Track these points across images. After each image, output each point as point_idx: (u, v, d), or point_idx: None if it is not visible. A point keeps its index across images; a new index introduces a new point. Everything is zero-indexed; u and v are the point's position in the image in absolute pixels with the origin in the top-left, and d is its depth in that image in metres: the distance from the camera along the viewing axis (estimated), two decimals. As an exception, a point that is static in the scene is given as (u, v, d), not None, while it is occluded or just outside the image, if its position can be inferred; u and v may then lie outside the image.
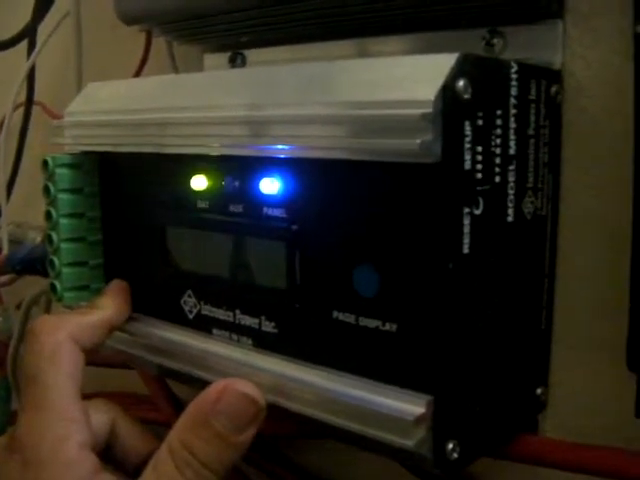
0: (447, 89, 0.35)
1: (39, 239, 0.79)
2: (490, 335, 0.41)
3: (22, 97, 0.78)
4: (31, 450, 0.43)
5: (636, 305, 0.41)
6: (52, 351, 0.46)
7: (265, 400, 0.42)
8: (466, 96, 0.36)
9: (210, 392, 0.42)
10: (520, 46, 0.45)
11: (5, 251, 0.76)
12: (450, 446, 0.39)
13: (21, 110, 0.79)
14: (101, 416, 0.49)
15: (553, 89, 0.43)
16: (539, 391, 0.46)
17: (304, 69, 0.43)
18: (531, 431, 0.47)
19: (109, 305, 0.51)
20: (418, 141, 0.35)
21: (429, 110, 0.35)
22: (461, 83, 0.36)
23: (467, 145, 0.37)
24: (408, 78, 0.37)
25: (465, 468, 0.43)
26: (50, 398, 0.44)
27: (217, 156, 0.45)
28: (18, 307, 0.79)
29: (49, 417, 0.44)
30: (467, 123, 0.37)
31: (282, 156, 0.42)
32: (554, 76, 0.44)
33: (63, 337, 0.46)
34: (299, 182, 0.42)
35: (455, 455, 0.39)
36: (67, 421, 0.44)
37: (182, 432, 0.42)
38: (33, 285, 0.73)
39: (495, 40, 0.46)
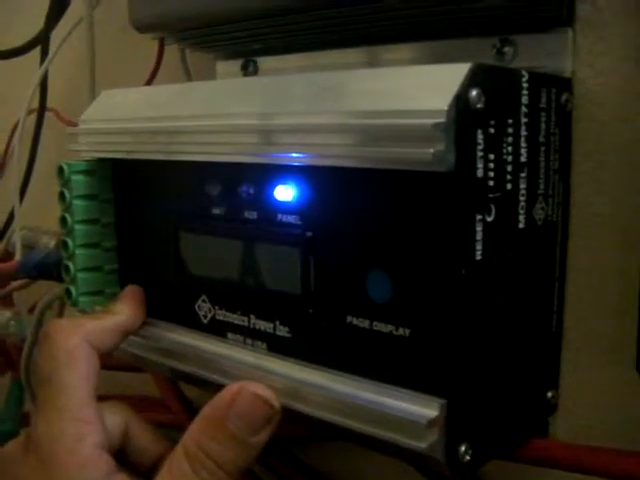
0: (460, 99, 0.36)
1: (52, 244, 0.80)
2: (502, 339, 0.41)
3: (35, 103, 0.78)
4: (47, 450, 0.43)
5: (645, 309, 0.41)
6: (68, 353, 0.46)
7: (279, 402, 0.43)
8: (479, 105, 0.37)
9: (225, 394, 0.43)
10: (531, 54, 0.46)
11: (18, 255, 0.76)
12: (462, 449, 0.39)
13: (34, 116, 0.80)
14: (115, 418, 0.49)
15: (563, 97, 0.44)
16: (550, 394, 0.47)
17: (315, 78, 0.44)
18: (542, 434, 0.47)
19: (124, 310, 0.51)
20: (431, 150, 0.35)
21: (442, 120, 0.35)
22: (474, 93, 0.36)
23: (479, 153, 0.37)
24: (421, 88, 0.38)
25: (477, 470, 0.44)
26: (65, 399, 0.45)
27: (232, 163, 0.45)
28: (31, 311, 0.80)
29: (65, 418, 0.44)
30: (479, 132, 0.37)
31: (296, 164, 0.42)
32: (564, 84, 0.44)
33: (79, 340, 0.47)
34: (313, 189, 0.42)
35: (467, 457, 0.39)
36: (82, 422, 0.44)
37: (197, 434, 0.43)
38: (46, 289, 0.74)
39: (506, 48, 0.46)
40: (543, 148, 0.43)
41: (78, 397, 0.45)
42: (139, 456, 0.50)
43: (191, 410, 0.68)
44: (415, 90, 0.38)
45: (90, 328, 0.48)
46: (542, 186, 0.43)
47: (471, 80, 0.36)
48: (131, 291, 0.53)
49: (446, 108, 0.35)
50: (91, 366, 0.47)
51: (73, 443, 0.43)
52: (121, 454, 0.49)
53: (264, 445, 0.43)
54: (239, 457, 0.42)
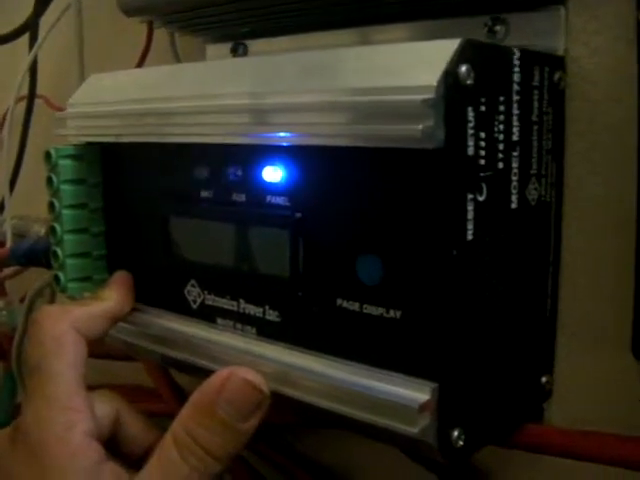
0: (449, 75, 0.35)
1: (43, 231, 0.79)
2: (494, 322, 0.41)
3: (24, 90, 0.78)
4: (35, 439, 0.43)
5: (641, 293, 0.41)
6: (55, 340, 0.46)
7: (269, 388, 0.42)
8: (469, 82, 0.36)
9: (214, 380, 0.42)
10: (523, 33, 0.45)
11: (9, 244, 0.76)
12: (455, 434, 0.38)
13: (24, 103, 0.79)
14: (105, 406, 0.48)
15: (556, 75, 0.43)
16: (544, 379, 0.46)
17: (305, 57, 0.43)
18: (536, 420, 0.47)
19: (112, 296, 0.51)
20: (420, 127, 0.35)
21: (431, 95, 0.35)
22: (463, 69, 0.36)
23: (470, 131, 0.37)
24: (410, 64, 0.37)
25: (471, 456, 0.43)
26: (54, 387, 0.44)
27: (219, 145, 0.45)
28: (22, 300, 0.79)
29: (53, 406, 0.44)
30: (470, 109, 0.36)
31: (284, 144, 0.42)
32: (557, 62, 0.44)
33: (66, 327, 0.46)
34: (302, 170, 0.42)
35: (460, 443, 0.39)
36: (71, 410, 0.44)
37: (186, 420, 0.43)
38: (37, 278, 0.73)
39: (497, 27, 0.46)
40: (536, 127, 0.42)
41: (66, 385, 0.45)
42: (130, 445, 0.50)
43: (182, 398, 0.67)
44: (405, 67, 0.37)
45: (77, 314, 0.48)
46: (535, 166, 0.42)
47: (460, 56, 0.36)
48: (119, 277, 0.52)
49: (435, 84, 0.35)
50: (79, 353, 0.46)
51: (62, 431, 0.43)
52: (112, 443, 0.49)
53: (254, 431, 0.43)
54: (228, 443, 0.42)
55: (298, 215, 0.42)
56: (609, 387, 0.46)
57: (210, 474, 0.42)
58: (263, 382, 0.42)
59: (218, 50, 0.62)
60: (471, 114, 0.37)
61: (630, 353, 0.42)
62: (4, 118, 0.79)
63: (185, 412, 0.43)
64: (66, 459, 0.42)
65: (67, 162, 0.52)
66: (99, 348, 0.49)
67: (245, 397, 0.42)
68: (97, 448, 0.43)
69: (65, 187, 0.52)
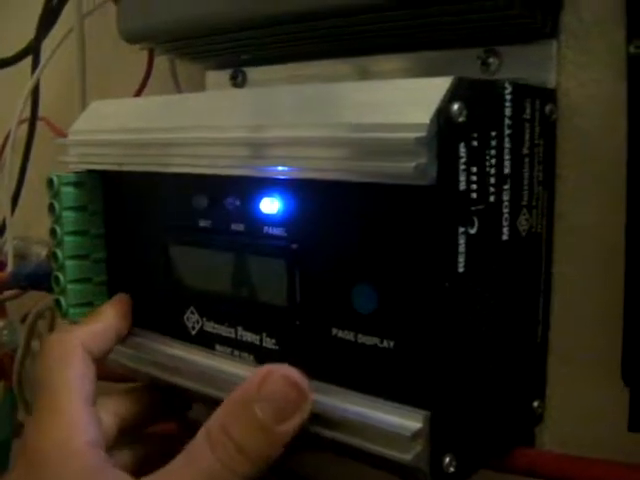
0: (442, 113, 0.36)
1: (44, 253, 0.80)
2: (486, 350, 0.41)
3: (26, 113, 0.79)
4: (38, 450, 0.43)
5: (630, 320, 0.41)
6: (62, 356, 0.47)
7: (310, 388, 0.41)
8: (461, 119, 0.37)
9: (254, 378, 0.41)
10: (515, 65, 0.46)
11: (10, 265, 0.77)
12: (447, 460, 0.39)
13: (26, 125, 0.80)
14: (108, 417, 0.49)
15: (547, 108, 0.44)
16: (535, 404, 0.47)
17: (302, 91, 0.44)
18: (528, 444, 0.48)
19: (111, 314, 0.52)
20: (413, 164, 0.35)
21: (424, 134, 0.35)
22: (455, 107, 0.36)
23: (462, 166, 0.37)
24: (404, 101, 0.38)
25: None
26: (59, 401, 0.45)
27: (219, 176, 0.45)
28: (23, 320, 0.80)
29: (55, 418, 0.44)
30: (462, 145, 0.37)
31: (281, 177, 0.43)
32: (548, 95, 0.45)
33: (72, 344, 0.48)
34: (298, 202, 0.43)
35: (452, 469, 0.39)
36: (74, 423, 0.44)
37: (222, 416, 0.42)
38: (38, 298, 0.74)
39: (491, 59, 0.46)
40: (527, 159, 0.43)
41: (71, 399, 0.45)
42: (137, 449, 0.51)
43: (183, 420, 0.68)
44: (399, 103, 0.38)
45: (82, 332, 0.49)
46: (526, 197, 0.43)
47: (453, 94, 0.36)
48: (117, 298, 0.53)
49: (428, 122, 0.36)
50: (85, 368, 0.47)
51: (63, 441, 0.43)
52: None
53: (291, 437, 0.41)
54: (263, 445, 0.41)
55: (295, 246, 0.43)
56: (600, 412, 0.46)
57: (241, 475, 0.41)
58: (305, 381, 0.41)
59: (218, 77, 0.63)
60: (463, 150, 0.37)
61: (620, 379, 0.42)
62: (6, 140, 0.80)
63: (221, 409, 0.42)
64: (63, 462, 0.43)
65: (69, 189, 0.53)
66: (100, 369, 0.50)
67: (284, 395, 0.41)
68: (99, 454, 0.44)
69: (67, 214, 0.53)
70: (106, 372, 0.57)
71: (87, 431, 0.44)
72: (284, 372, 0.41)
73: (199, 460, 0.41)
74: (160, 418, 0.57)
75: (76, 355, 0.47)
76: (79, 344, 0.48)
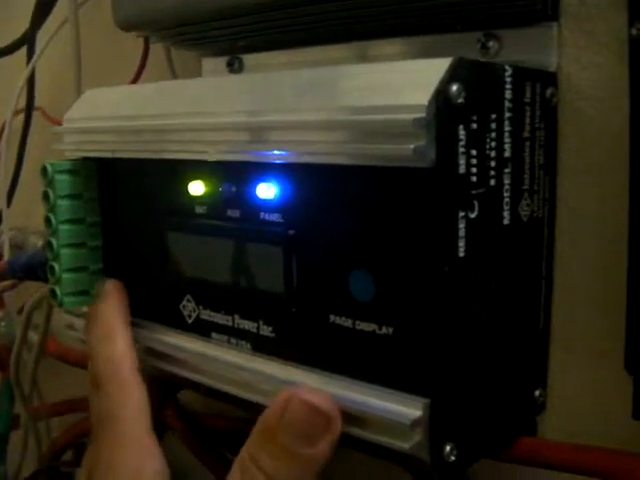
0: (440, 94, 0.35)
1: (40, 244, 0.80)
2: (487, 337, 0.41)
3: (22, 103, 0.78)
4: (108, 473, 0.44)
5: (634, 307, 0.41)
6: (121, 389, 0.47)
7: (337, 408, 0.40)
8: (459, 100, 0.36)
9: (275, 405, 0.41)
10: (515, 49, 0.46)
11: (7, 256, 0.76)
12: (447, 448, 0.39)
13: (21, 116, 0.79)
14: None
15: (548, 91, 0.44)
16: (537, 393, 0.47)
17: (300, 75, 0.44)
18: (530, 433, 0.47)
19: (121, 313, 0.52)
20: (412, 146, 0.35)
21: (422, 115, 0.35)
22: (454, 88, 0.36)
23: (461, 149, 0.37)
24: (402, 83, 0.37)
25: (463, 470, 0.44)
26: (124, 432, 0.45)
27: (214, 162, 0.45)
28: (20, 311, 0.80)
29: (124, 450, 0.45)
30: (461, 127, 0.37)
31: (278, 161, 0.42)
32: (549, 78, 0.44)
33: (128, 371, 0.48)
34: (295, 187, 0.42)
35: (453, 457, 0.39)
36: (142, 452, 0.45)
37: (252, 447, 0.41)
38: (34, 289, 0.74)
39: (490, 43, 0.46)
40: (528, 143, 0.42)
41: (136, 429, 0.46)
42: None
43: (181, 412, 0.68)
44: (397, 85, 0.38)
45: (130, 356, 0.49)
46: (527, 182, 0.43)
47: (451, 75, 0.36)
48: (114, 288, 0.53)
49: (426, 103, 0.35)
50: (144, 395, 0.47)
51: (134, 472, 0.44)
52: None
53: (327, 455, 0.40)
54: (293, 471, 0.40)
55: (291, 232, 0.42)
56: (602, 401, 0.46)
57: None
58: (325, 401, 0.40)
59: (214, 64, 0.62)
60: (462, 132, 0.37)
61: (623, 367, 0.42)
62: (2, 130, 0.80)
63: (250, 441, 0.41)
64: None
65: (63, 177, 0.52)
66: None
67: (306, 420, 0.40)
68: None
69: (62, 202, 0.52)
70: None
71: (154, 460, 0.45)
72: (304, 397, 0.40)
73: None
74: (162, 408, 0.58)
75: (133, 383, 0.47)
76: (134, 366, 0.48)
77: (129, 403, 0.46)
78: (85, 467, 0.46)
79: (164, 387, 0.56)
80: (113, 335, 0.49)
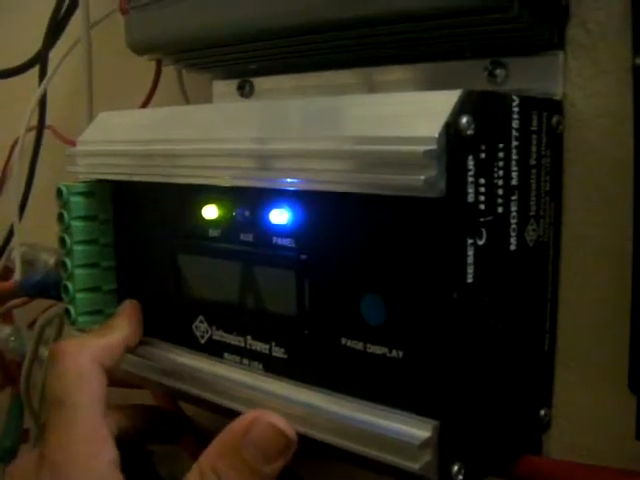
0: (450, 126, 0.36)
1: (52, 261, 0.80)
2: (494, 360, 0.42)
3: (34, 121, 0.79)
4: (61, 467, 0.44)
5: (637, 329, 0.42)
6: (77, 374, 0.47)
7: (295, 433, 0.43)
8: (469, 132, 0.37)
9: (241, 421, 0.43)
10: (522, 77, 0.46)
11: (18, 271, 0.77)
12: (455, 468, 0.39)
13: (33, 133, 0.80)
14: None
15: (554, 119, 0.44)
16: (543, 412, 0.47)
17: (311, 104, 0.45)
18: (535, 452, 0.48)
19: (124, 325, 0.52)
20: (423, 177, 0.36)
21: (433, 147, 0.36)
22: (464, 120, 0.37)
23: (470, 179, 0.38)
24: (413, 114, 0.38)
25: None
26: (79, 419, 0.45)
27: (229, 187, 0.46)
28: (30, 326, 0.80)
29: (79, 436, 0.45)
30: (470, 158, 0.38)
31: (291, 188, 0.43)
32: (555, 107, 0.45)
33: (87, 360, 0.48)
34: (308, 213, 0.43)
35: (460, 477, 0.40)
36: (96, 440, 0.45)
37: (213, 457, 0.43)
38: (46, 304, 0.74)
39: (497, 71, 0.47)
40: (534, 170, 0.43)
41: (90, 417, 0.46)
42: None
43: (190, 427, 0.68)
44: (408, 117, 0.38)
45: (96, 347, 0.49)
46: (533, 208, 0.43)
47: (461, 107, 0.37)
48: (129, 306, 0.54)
49: (437, 135, 0.36)
50: (101, 385, 0.48)
51: (87, 461, 0.44)
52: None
53: (278, 473, 0.43)
54: None
55: (304, 257, 0.43)
56: (606, 420, 0.46)
57: None
58: (289, 427, 0.43)
59: (225, 87, 0.63)
60: (471, 162, 0.38)
61: (627, 387, 0.43)
62: (14, 148, 0.80)
63: (212, 449, 0.43)
64: None
65: (78, 199, 0.53)
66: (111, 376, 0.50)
67: (270, 441, 0.42)
68: (119, 477, 0.45)
69: (76, 223, 0.53)
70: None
71: (109, 450, 0.45)
72: (271, 420, 0.43)
73: None
74: (156, 439, 0.58)
75: (92, 372, 0.47)
76: (94, 360, 0.48)
77: (84, 389, 0.46)
78: (37, 447, 0.47)
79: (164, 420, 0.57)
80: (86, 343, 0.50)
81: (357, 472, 0.58)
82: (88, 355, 0.48)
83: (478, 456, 0.42)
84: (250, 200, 0.46)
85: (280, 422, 0.43)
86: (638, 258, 0.42)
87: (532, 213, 0.43)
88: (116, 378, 0.55)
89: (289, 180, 0.42)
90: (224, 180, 0.46)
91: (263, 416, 0.43)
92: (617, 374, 0.44)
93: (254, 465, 0.42)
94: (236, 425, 0.43)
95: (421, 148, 0.36)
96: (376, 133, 0.39)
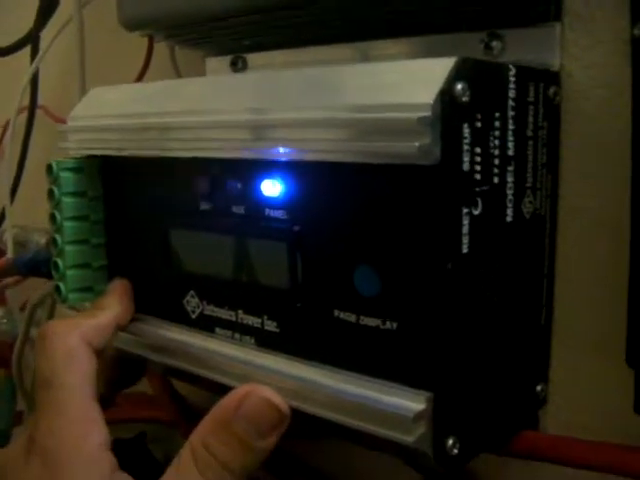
0: (445, 93, 0.36)
1: (43, 241, 0.80)
2: (490, 332, 0.41)
3: (26, 101, 0.79)
4: (51, 451, 0.43)
5: (635, 302, 0.41)
6: (66, 354, 0.46)
7: (288, 407, 0.42)
8: (464, 99, 0.37)
9: (233, 396, 0.42)
10: (519, 48, 0.46)
11: (10, 253, 0.76)
12: (450, 442, 0.39)
13: (25, 114, 0.80)
14: None
15: (551, 91, 0.44)
16: (539, 388, 0.47)
17: (305, 73, 0.44)
18: (532, 427, 0.48)
19: (115, 304, 0.51)
20: (417, 144, 0.35)
21: (428, 114, 0.35)
22: (459, 87, 0.36)
23: (465, 147, 0.37)
24: (408, 82, 0.38)
25: (466, 464, 0.44)
26: (68, 400, 0.45)
27: (220, 159, 0.45)
28: (22, 308, 0.80)
29: (68, 419, 0.44)
30: (465, 125, 0.37)
31: (283, 159, 0.42)
32: (552, 78, 0.45)
33: (76, 340, 0.47)
34: (300, 184, 0.42)
35: (455, 451, 0.39)
36: (86, 422, 0.44)
37: (205, 434, 0.42)
38: (37, 286, 0.74)
39: (494, 43, 0.46)
40: (531, 142, 0.43)
41: (79, 398, 0.45)
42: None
43: (182, 406, 0.68)
44: (402, 84, 0.38)
45: (86, 327, 0.48)
46: (530, 180, 0.43)
47: (456, 74, 0.36)
48: (119, 285, 0.53)
49: (431, 102, 0.35)
50: (90, 366, 0.47)
51: (77, 442, 0.43)
52: None
53: (272, 448, 0.43)
54: (246, 460, 0.42)
55: (296, 228, 0.43)
56: (603, 395, 0.46)
57: None
58: (282, 401, 0.42)
59: (218, 63, 0.63)
60: (467, 130, 0.37)
61: (624, 362, 0.42)
62: (6, 128, 0.80)
63: (203, 426, 0.43)
64: (80, 469, 0.43)
65: (68, 175, 0.53)
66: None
67: (263, 415, 0.42)
68: (110, 458, 0.44)
69: (66, 199, 0.53)
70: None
71: (99, 431, 0.45)
72: (264, 394, 0.42)
73: (186, 478, 0.42)
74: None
75: (81, 353, 0.47)
76: (83, 340, 0.47)
77: (74, 370, 0.46)
78: (27, 429, 0.46)
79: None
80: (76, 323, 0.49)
81: (352, 451, 0.59)
82: (77, 335, 0.47)
83: (473, 431, 0.41)
84: (242, 172, 0.45)
85: (273, 396, 0.42)
86: (635, 230, 0.41)
87: (529, 185, 0.43)
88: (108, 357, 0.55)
89: (281, 150, 0.42)
90: (216, 152, 0.45)
91: (256, 390, 0.42)
92: (615, 348, 0.43)
93: (247, 440, 0.42)
94: (227, 400, 0.43)
95: (415, 115, 0.35)
96: (370, 101, 0.38)
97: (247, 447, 0.42)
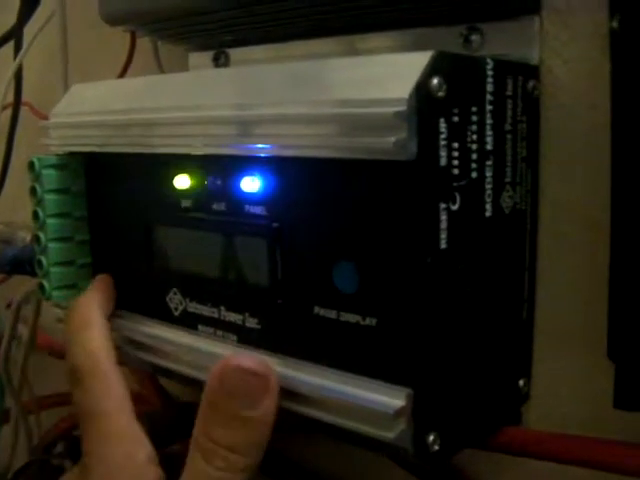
0: (421, 87, 0.36)
1: (28, 238, 0.80)
2: (470, 328, 0.41)
3: (9, 98, 0.78)
4: (102, 475, 0.44)
5: (615, 296, 0.41)
6: (102, 382, 0.47)
7: (270, 368, 0.42)
8: (440, 94, 0.36)
9: (213, 374, 0.42)
10: (498, 42, 0.46)
11: (-5, 250, 0.76)
12: (431, 438, 0.39)
13: (9, 111, 0.79)
14: None
15: (530, 84, 0.44)
16: (521, 383, 0.47)
17: (284, 69, 0.44)
18: (515, 423, 0.48)
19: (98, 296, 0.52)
20: (393, 139, 0.35)
21: (403, 108, 0.35)
22: (435, 81, 0.36)
23: (442, 142, 0.37)
24: (384, 77, 0.37)
25: (449, 460, 0.44)
26: (108, 425, 0.45)
27: (200, 155, 0.45)
28: (8, 306, 0.80)
29: (111, 441, 0.45)
30: (442, 120, 0.37)
31: (263, 155, 0.42)
32: (531, 72, 0.44)
33: (108, 365, 0.47)
34: (279, 180, 0.42)
35: (436, 447, 0.39)
36: (128, 441, 0.45)
37: (201, 424, 0.42)
38: (23, 284, 0.74)
39: (473, 37, 0.46)
40: (510, 136, 0.43)
41: (121, 421, 0.46)
42: None
43: (168, 401, 0.68)
44: (379, 79, 0.38)
45: (107, 349, 0.48)
46: (509, 174, 0.43)
47: (432, 68, 0.36)
48: (101, 282, 0.53)
49: (407, 96, 0.35)
50: (124, 382, 0.47)
51: (124, 463, 0.44)
52: None
53: (273, 414, 0.42)
54: (247, 435, 0.41)
55: (276, 225, 0.43)
56: (586, 390, 0.46)
57: (243, 469, 0.41)
58: (259, 364, 0.42)
59: (200, 58, 0.62)
60: (443, 125, 0.37)
61: (605, 355, 0.42)
62: (-10, 125, 0.80)
63: (197, 419, 0.43)
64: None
65: (50, 172, 0.53)
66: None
67: (244, 385, 0.41)
68: (157, 471, 0.44)
69: (49, 196, 0.53)
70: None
71: (144, 448, 0.45)
72: (236, 363, 0.42)
73: (198, 473, 0.42)
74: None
75: (115, 376, 0.47)
76: (111, 363, 0.48)
77: (111, 395, 0.46)
78: (80, 461, 0.47)
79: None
80: (90, 326, 0.49)
81: (343, 447, 0.59)
82: (107, 360, 0.48)
83: (455, 427, 0.41)
84: (222, 168, 0.45)
85: (247, 361, 0.42)
86: (616, 224, 0.41)
87: (508, 179, 0.43)
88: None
89: (261, 146, 0.42)
90: (196, 148, 0.45)
91: (230, 360, 0.42)
92: (596, 343, 0.43)
93: (239, 414, 0.41)
94: (210, 380, 0.42)
95: (391, 109, 0.35)
96: (347, 96, 0.38)
97: (243, 421, 0.41)
